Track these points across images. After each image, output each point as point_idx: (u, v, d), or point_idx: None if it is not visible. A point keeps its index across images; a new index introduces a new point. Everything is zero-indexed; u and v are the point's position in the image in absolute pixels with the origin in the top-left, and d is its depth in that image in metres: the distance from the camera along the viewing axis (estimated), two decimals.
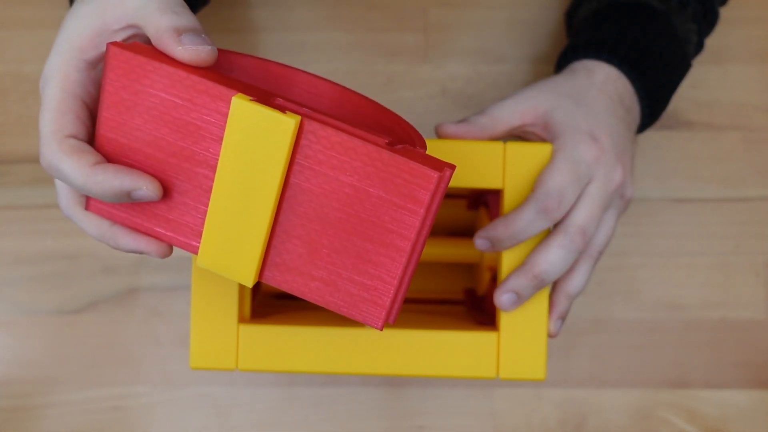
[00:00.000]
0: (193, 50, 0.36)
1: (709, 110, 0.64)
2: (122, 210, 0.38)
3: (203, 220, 0.37)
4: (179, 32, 0.36)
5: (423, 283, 0.62)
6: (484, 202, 0.58)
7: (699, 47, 0.56)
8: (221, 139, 0.35)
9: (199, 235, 0.37)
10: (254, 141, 0.34)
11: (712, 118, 0.64)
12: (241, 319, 0.49)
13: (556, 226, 0.48)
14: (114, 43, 0.36)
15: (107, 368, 0.63)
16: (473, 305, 0.59)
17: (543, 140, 0.50)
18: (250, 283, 0.37)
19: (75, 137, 0.37)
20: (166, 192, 0.37)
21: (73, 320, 0.63)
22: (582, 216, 0.47)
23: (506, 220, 0.47)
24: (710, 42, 0.62)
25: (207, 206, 0.36)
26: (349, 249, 0.36)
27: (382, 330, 0.37)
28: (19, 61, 0.64)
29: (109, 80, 0.36)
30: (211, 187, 0.36)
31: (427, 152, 0.36)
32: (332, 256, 0.36)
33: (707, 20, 0.56)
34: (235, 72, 0.42)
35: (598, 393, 0.63)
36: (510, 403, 0.63)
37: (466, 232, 0.62)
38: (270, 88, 0.42)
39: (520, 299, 0.48)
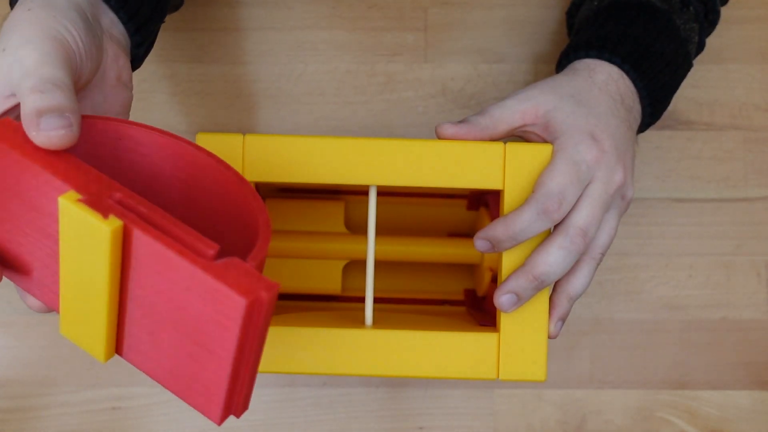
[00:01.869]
0: (45, 135, 0.36)
1: (710, 110, 0.64)
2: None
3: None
4: (40, 114, 0.36)
5: (423, 283, 0.62)
6: (484, 203, 0.57)
7: (700, 47, 0.56)
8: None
9: None
10: (81, 241, 0.34)
11: (712, 118, 0.64)
12: None
13: (557, 227, 0.48)
14: None
15: (106, 369, 0.63)
16: (473, 306, 0.59)
17: (543, 140, 0.50)
18: (102, 361, 0.37)
19: None
20: (32, 261, 0.38)
21: None
22: (583, 217, 0.47)
23: (506, 221, 0.47)
24: (710, 41, 0.62)
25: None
26: (183, 347, 0.35)
27: (220, 425, 0.36)
28: None
29: None
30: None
31: (268, 241, 0.36)
32: (171, 349, 0.36)
33: (708, 20, 0.56)
34: (123, 141, 0.41)
35: (598, 393, 0.63)
36: (510, 403, 0.63)
37: (466, 232, 0.61)
38: (126, 162, 0.42)
39: (520, 300, 0.48)
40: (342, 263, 0.59)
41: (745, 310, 0.63)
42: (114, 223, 0.34)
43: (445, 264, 0.61)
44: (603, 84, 0.51)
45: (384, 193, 0.60)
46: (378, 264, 0.58)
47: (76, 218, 0.34)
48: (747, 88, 0.64)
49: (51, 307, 0.39)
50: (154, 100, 0.63)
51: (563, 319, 0.50)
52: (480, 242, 0.48)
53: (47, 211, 0.36)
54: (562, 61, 0.54)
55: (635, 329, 0.63)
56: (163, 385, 0.37)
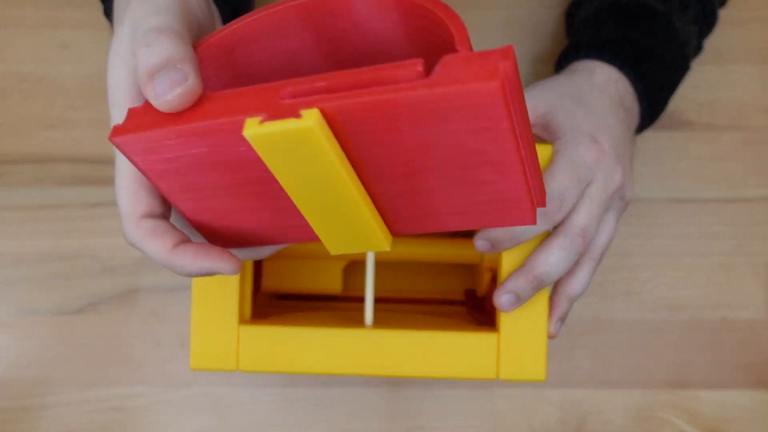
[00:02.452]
0: (164, 101, 0.32)
1: (710, 110, 0.64)
2: (230, 241, 0.37)
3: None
4: (151, 74, 0.32)
5: (423, 283, 0.62)
6: None
7: (698, 49, 0.56)
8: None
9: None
10: (291, 152, 0.31)
11: (712, 118, 0.64)
12: (242, 320, 0.49)
13: (557, 227, 0.48)
14: (114, 131, 0.33)
15: (107, 369, 0.63)
16: (473, 306, 0.59)
17: (543, 141, 0.50)
18: (388, 247, 0.35)
19: (151, 215, 0.36)
20: (264, 210, 0.35)
21: (73, 321, 0.63)
22: (583, 218, 0.47)
23: None
24: (710, 42, 0.62)
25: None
26: (457, 181, 0.31)
27: (536, 223, 0.33)
28: (19, 61, 0.64)
29: (137, 162, 0.34)
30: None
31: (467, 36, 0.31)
32: (446, 192, 0.32)
33: (707, 22, 0.56)
34: (235, 50, 0.37)
35: (598, 393, 0.63)
36: (510, 403, 0.63)
37: (466, 232, 0.61)
38: (276, 50, 0.38)
39: (520, 300, 0.48)
40: (342, 263, 0.59)
41: (745, 311, 0.63)
42: (310, 115, 0.29)
43: (445, 264, 0.61)
44: (603, 85, 0.51)
45: None
46: (378, 264, 0.58)
47: (273, 139, 0.30)
48: (747, 88, 0.64)
49: (303, 239, 0.37)
50: None
51: (563, 320, 0.50)
52: (480, 242, 0.48)
53: (242, 157, 0.32)
54: (562, 61, 0.55)
55: (635, 329, 0.63)
56: (456, 229, 0.34)
